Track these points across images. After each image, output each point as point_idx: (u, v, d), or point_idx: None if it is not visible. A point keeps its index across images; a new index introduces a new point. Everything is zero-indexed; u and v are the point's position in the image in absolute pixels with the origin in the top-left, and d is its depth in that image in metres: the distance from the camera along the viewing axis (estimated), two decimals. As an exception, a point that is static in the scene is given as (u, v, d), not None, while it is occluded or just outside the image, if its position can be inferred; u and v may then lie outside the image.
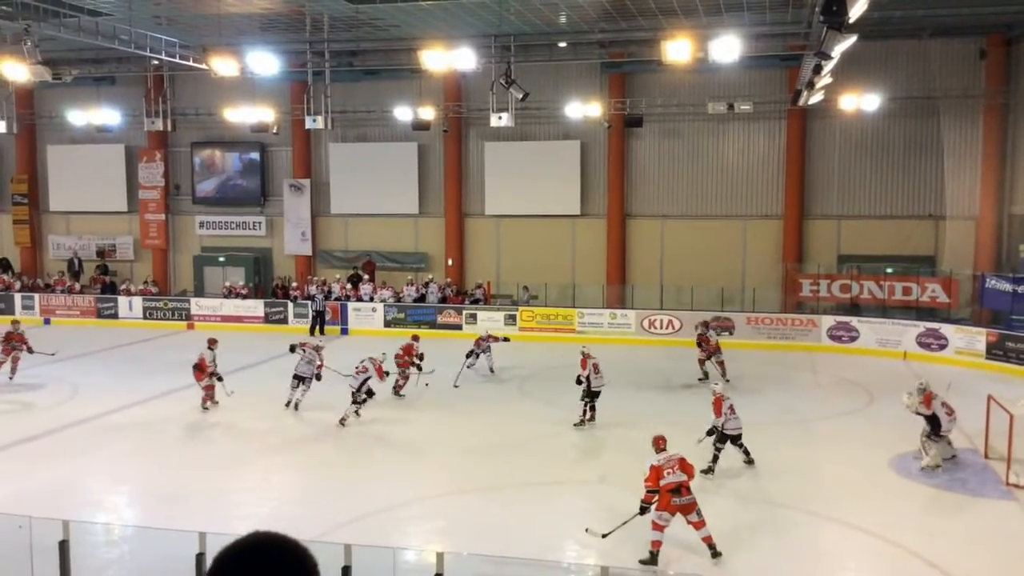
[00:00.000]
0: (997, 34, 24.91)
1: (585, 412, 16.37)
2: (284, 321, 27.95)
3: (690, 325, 25.33)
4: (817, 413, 17.24)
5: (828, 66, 16.48)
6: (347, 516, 11.53)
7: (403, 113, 26.41)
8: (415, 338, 19.82)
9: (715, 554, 10.22)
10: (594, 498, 12.77)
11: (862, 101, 24.25)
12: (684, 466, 10.42)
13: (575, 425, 16.21)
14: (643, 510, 10.37)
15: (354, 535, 10.20)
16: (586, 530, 10.71)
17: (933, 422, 13.80)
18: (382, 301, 27.77)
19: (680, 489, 10.21)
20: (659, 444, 10.83)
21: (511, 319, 26.34)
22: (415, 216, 30.36)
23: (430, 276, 29.01)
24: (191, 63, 22.27)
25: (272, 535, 2.03)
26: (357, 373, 16.50)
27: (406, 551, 10.03)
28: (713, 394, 14.12)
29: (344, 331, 27.33)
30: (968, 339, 22.45)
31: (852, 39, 13.99)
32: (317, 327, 26.95)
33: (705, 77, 26.70)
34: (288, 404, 17.22)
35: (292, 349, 17.99)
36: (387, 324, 27.30)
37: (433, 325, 26.99)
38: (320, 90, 25.31)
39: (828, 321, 24.67)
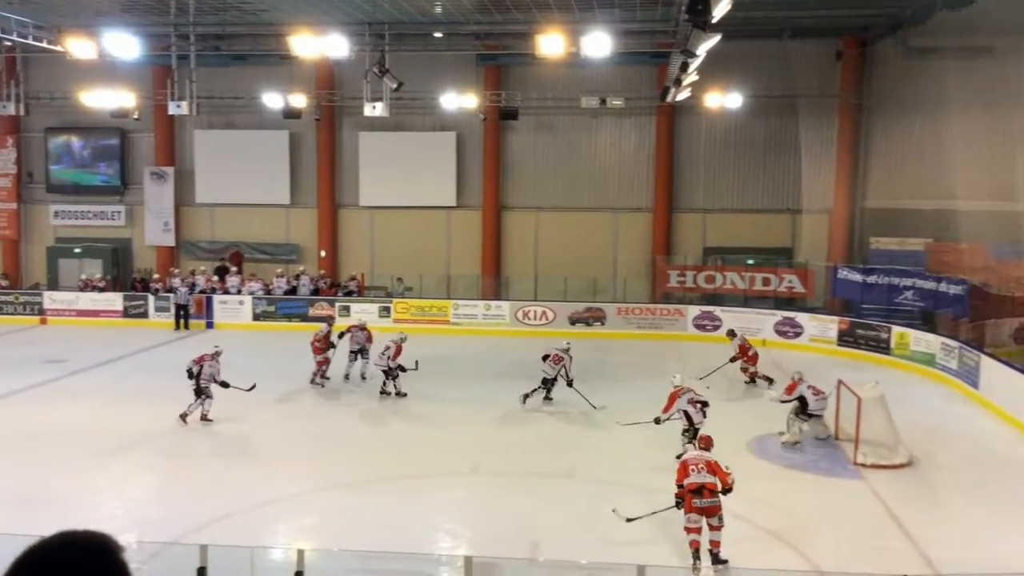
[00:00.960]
0: (852, 36, 26.29)
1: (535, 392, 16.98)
2: (144, 315, 26.84)
3: (563, 316, 25.83)
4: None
5: (694, 64, 16.99)
6: (211, 516, 11.19)
7: (273, 100, 25.68)
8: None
9: (715, 561, 9.87)
10: (466, 488, 12.84)
11: (726, 99, 25.21)
12: (712, 468, 10.08)
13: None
14: (677, 504, 10.18)
15: (217, 535, 9.93)
16: (613, 511, 10.56)
17: (802, 402, 14.56)
18: (250, 294, 27.04)
19: (702, 491, 9.92)
20: (701, 443, 10.82)
21: (385, 311, 26.13)
22: (286, 206, 29.67)
23: (302, 268, 28.43)
24: (45, 44, 21.08)
25: (79, 533, 1.94)
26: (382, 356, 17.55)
27: (268, 550, 9.82)
28: (673, 386, 14.18)
29: (210, 325, 26.47)
30: (821, 327, 23.66)
31: (716, 38, 14.44)
32: (181, 322, 25.93)
33: (578, 72, 27.11)
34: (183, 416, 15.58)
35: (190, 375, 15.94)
36: (256, 317, 26.61)
37: (305, 318, 26.46)
38: (185, 75, 24.34)
39: (694, 311, 25.54)
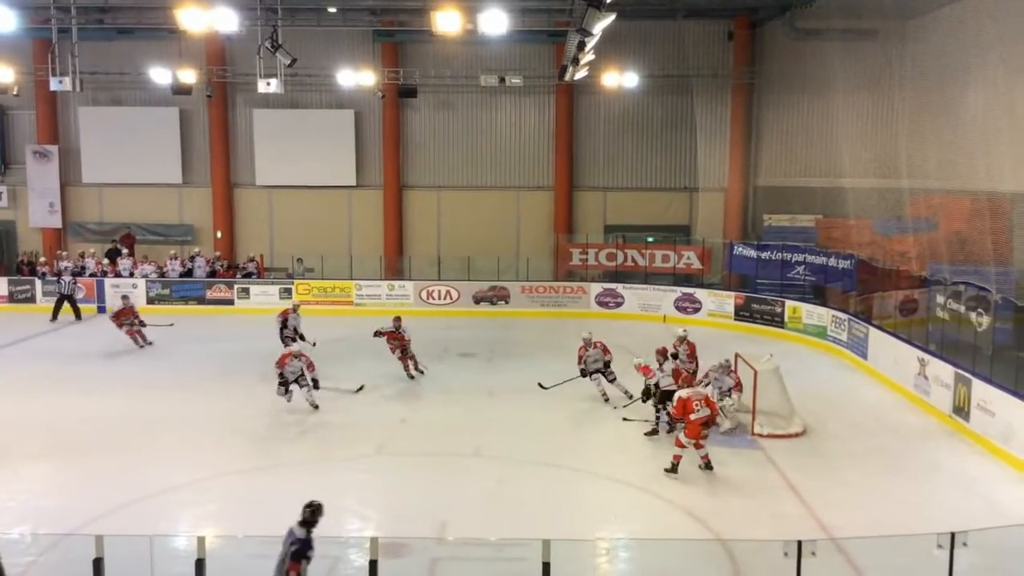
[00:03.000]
0: (744, 17, 26.89)
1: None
2: (32, 300, 25.63)
3: (467, 295, 25.82)
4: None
5: (591, 43, 17.08)
6: (110, 505, 10.80)
7: (161, 76, 24.64)
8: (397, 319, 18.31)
9: (710, 467, 12.34)
10: (372, 469, 12.73)
11: (623, 78, 25.51)
12: (708, 402, 12.51)
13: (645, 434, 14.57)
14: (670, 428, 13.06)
15: (115, 525, 9.59)
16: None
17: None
18: (143, 276, 26.09)
19: (709, 422, 12.32)
20: (686, 382, 13.48)
21: (287, 292, 25.60)
22: (179, 186, 28.70)
23: (197, 249, 27.55)
24: (-90, 14, 19.68)
25: None
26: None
27: (168, 538, 9.54)
28: (637, 366, 14.48)
29: (102, 309, 25.38)
30: (719, 302, 24.30)
31: (611, 17, 14.55)
32: (71, 309, 24.37)
33: (477, 50, 27.00)
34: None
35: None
36: (150, 301, 25.68)
37: (202, 301, 25.75)
38: (67, 49, 23.11)
39: (596, 288, 25.88)
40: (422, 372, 17.83)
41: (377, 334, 17.80)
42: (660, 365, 14.47)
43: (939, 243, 18.64)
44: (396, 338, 17.71)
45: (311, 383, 15.27)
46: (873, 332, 18.79)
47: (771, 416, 14.41)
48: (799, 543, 7.69)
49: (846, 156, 22.39)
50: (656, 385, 14.25)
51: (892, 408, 16.26)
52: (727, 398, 14.53)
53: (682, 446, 12.27)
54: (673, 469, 12.21)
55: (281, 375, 15.16)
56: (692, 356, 16.22)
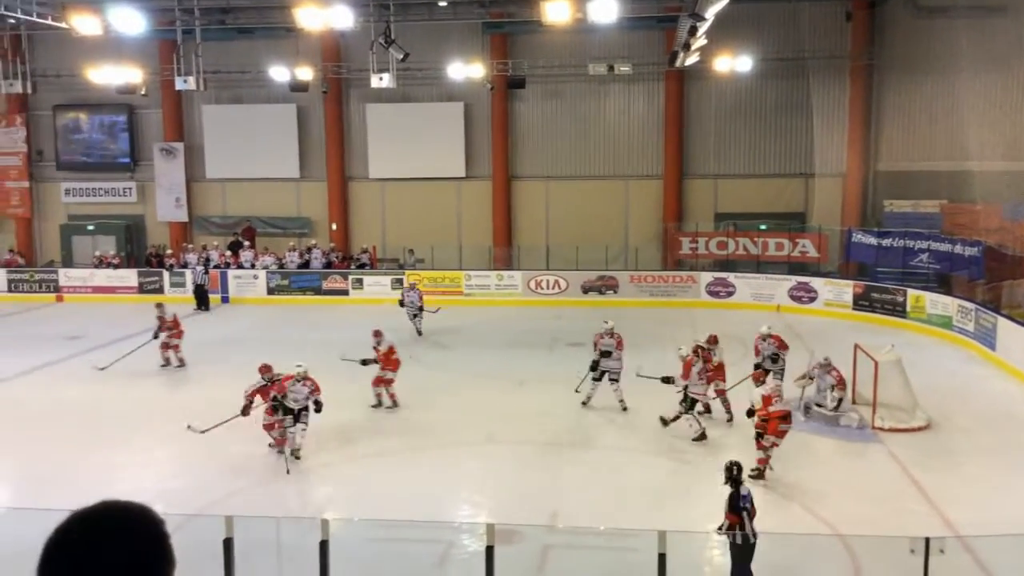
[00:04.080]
0: (861, -3, 25.94)
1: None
2: (160, 291, 26.91)
3: (576, 285, 25.81)
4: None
5: (703, 28, 16.83)
6: (235, 487, 11.30)
7: (279, 73, 25.58)
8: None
9: (762, 476, 11.44)
10: (483, 458, 12.89)
11: (735, 63, 24.94)
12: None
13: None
14: (759, 434, 11.71)
15: (242, 506, 10.03)
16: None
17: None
18: (264, 268, 27.09)
19: (787, 416, 11.65)
20: (760, 378, 12.61)
21: (398, 283, 26.13)
22: (296, 180, 29.65)
23: (313, 241, 28.45)
24: (50, 21, 20.98)
25: (121, 503, 1.96)
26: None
27: (293, 520, 9.90)
28: (682, 359, 13.73)
29: (225, 300, 26.55)
30: (836, 291, 23.57)
31: (725, 1, 14.31)
32: (203, 303, 25.39)
33: (585, 38, 26.87)
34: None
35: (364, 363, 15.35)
36: (271, 292, 26.69)
37: (318, 291, 26.56)
38: (191, 49, 24.26)
39: (706, 277, 25.47)
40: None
41: (365, 363, 15.49)
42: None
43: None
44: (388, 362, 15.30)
45: (313, 406, 12.45)
46: (1002, 322, 17.89)
47: (893, 409, 13.93)
48: (927, 540, 7.42)
49: (973, 139, 21.40)
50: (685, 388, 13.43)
51: (1022, 401, 15.48)
52: (829, 394, 14.05)
53: (764, 448, 11.57)
54: (760, 475, 11.41)
55: (276, 399, 12.34)
56: (782, 346, 15.44)
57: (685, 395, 13.39)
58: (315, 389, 12.53)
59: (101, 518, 1.91)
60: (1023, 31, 19.25)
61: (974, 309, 19.31)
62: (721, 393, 14.27)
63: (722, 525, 8.45)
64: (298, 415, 12.36)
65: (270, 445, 12.55)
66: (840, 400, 14.15)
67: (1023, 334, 16.84)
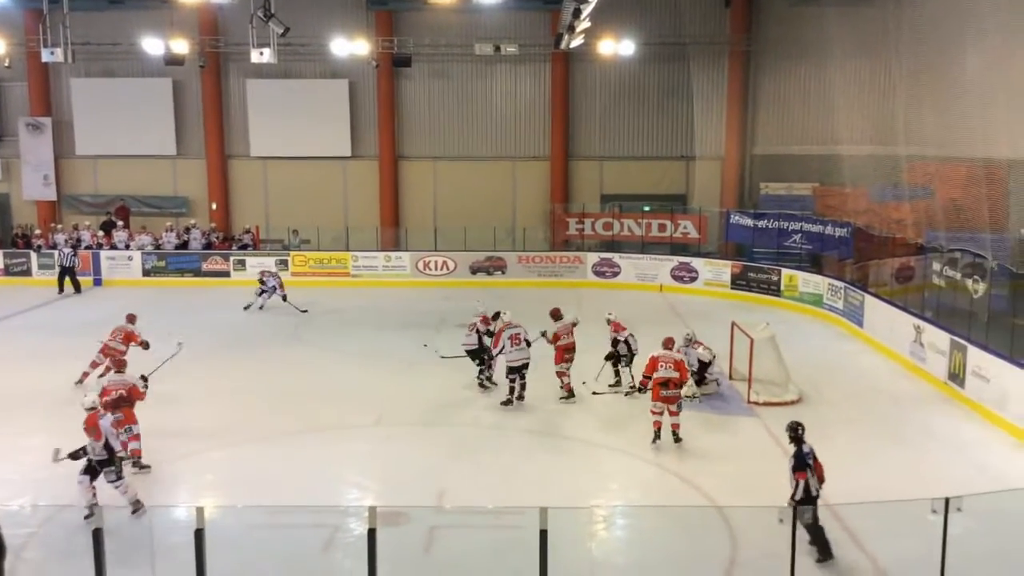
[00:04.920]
0: (740, -17, 26.66)
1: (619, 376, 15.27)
2: (28, 273, 25.60)
3: (464, 266, 25.79)
4: (583, 346, 18.01)
5: (587, 10, 17.00)
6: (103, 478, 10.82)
7: (153, 46, 24.43)
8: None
9: (676, 439, 12.16)
10: (371, 440, 12.78)
11: (619, 46, 25.36)
12: (679, 367, 12.36)
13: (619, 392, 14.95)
14: (640, 390, 12.97)
15: (115, 496, 9.63)
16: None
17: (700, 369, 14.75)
18: (139, 249, 26.03)
19: (668, 384, 12.11)
20: (667, 344, 12.77)
21: (283, 264, 25.55)
22: (173, 157, 28.56)
23: (193, 221, 27.48)
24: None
25: None
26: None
27: (168, 509, 9.58)
28: (502, 322, 14.46)
29: (98, 282, 25.41)
30: (715, 271, 24.31)
31: (609, -16, 14.45)
32: (71, 283, 24.28)
33: (472, 18, 26.76)
34: None
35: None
36: (146, 273, 25.69)
37: (198, 273, 25.73)
38: (58, 19, 22.89)
39: (593, 258, 25.88)
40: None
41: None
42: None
43: (935, 210, 18.63)
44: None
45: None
46: (869, 300, 18.83)
47: (767, 384, 14.49)
48: (794, 508, 7.76)
49: (843, 123, 22.31)
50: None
51: (888, 375, 16.34)
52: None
53: (655, 413, 12.29)
54: (657, 436, 12.22)
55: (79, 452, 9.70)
56: (618, 329, 15.78)
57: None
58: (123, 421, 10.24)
59: None
60: (888, 19, 20.09)
61: (843, 287, 20.24)
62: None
63: (795, 491, 8.88)
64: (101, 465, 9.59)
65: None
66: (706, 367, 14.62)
67: (888, 311, 17.75)
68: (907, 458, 12.09)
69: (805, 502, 8.79)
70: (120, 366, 12.13)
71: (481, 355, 15.00)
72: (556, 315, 14.82)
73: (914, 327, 16.20)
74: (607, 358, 15.16)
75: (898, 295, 18.06)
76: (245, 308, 21.45)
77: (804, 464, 8.98)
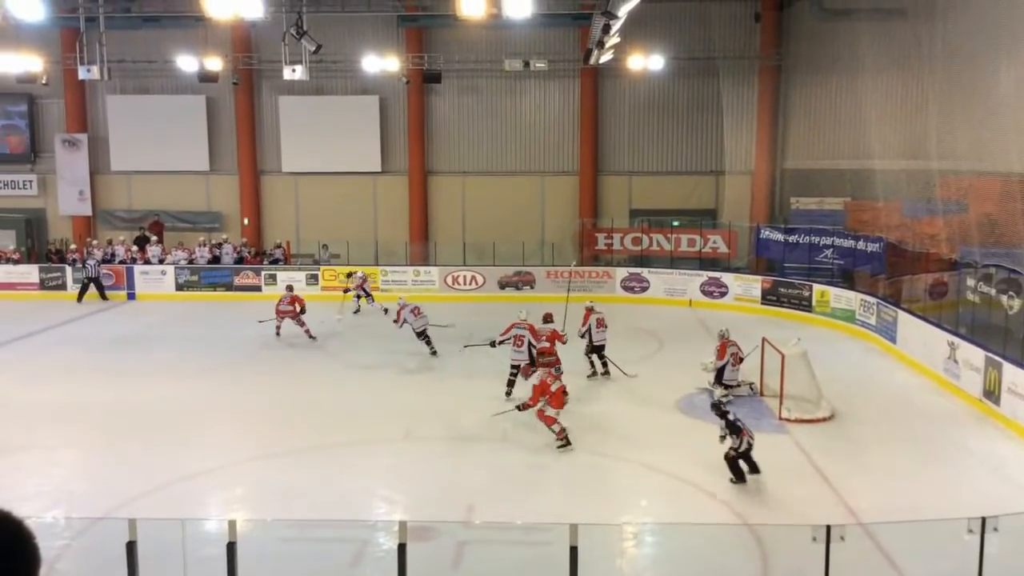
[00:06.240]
0: (770, -2, 26.61)
1: (593, 365, 16.79)
2: (62, 287, 25.98)
3: (493, 281, 25.83)
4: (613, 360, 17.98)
5: (616, 26, 16.99)
6: (139, 490, 10.94)
7: (188, 63, 24.84)
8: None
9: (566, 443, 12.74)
10: (400, 455, 12.80)
11: (648, 61, 25.34)
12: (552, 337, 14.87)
13: (588, 377, 16.57)
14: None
15: (147, 509, 9.73)
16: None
17: (719, 373, 14.91)
18: (173, 264, 26.35)
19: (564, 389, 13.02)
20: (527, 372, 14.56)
21: (313, 279, 25.76)
22: (206, 173, 28.92)
23: (225, 236, 27.79)
24: (-61, 4, 19.90)
25: None
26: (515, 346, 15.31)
27: (200, 522, 9.66)
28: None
29: (131, 296, 25.77)
30: (745, 286, 24.16)
31: (636, 0, 14.47)
32: (98, 292, 24.86)
33: (501, 34, 26.91)
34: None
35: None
36: (179, 288, 25.99)
37: (230, 287, 26.00)
38: (94, 37, 23.35)
39: (621, 273, 25.82)
40: None
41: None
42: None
43: (969, 225, 18.38)
44: None
45: None
46: (902, 316, 18.61)
47: (798, 400, 14.34)
48: (828, 528, 7.65)
49: (875, 138, 22.11)
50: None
51: (921, 392, 16.13)
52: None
53: (554, 421, 12.67)
54: (567, 442, 12.64)
55: None
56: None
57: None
58: None
59: None
60: (922, 33, 19.93)
61: (876, 303, 20.03)
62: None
63: (739, 444, 11.21)
64: None
65: None
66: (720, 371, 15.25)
67: (922, 327, 17.54)
68: (942, 476, 11.92)
69: (746, 453, 11.14)
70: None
71: (517, 368, 15.30)
72: (546, 319, 15.91)
73: (948, 344, 15.99)
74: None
75: (932, 311, 17.83)
76: (354, 312, 22.79)
77: (737, 427, 11.12)
